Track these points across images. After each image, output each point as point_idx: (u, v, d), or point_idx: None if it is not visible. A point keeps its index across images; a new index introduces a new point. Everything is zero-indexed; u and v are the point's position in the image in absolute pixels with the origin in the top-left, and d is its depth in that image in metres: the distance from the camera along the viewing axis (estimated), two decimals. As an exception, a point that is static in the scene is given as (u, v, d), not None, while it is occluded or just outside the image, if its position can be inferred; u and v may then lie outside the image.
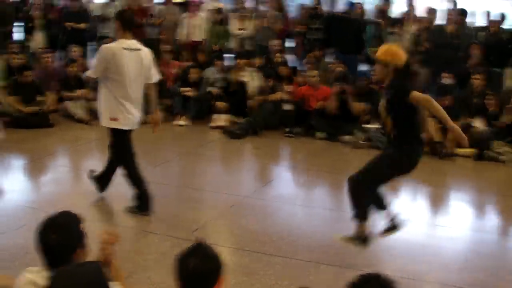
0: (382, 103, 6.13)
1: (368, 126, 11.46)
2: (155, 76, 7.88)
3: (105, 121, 7.67)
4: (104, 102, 7.63)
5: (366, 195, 6.43)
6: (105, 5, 15.28)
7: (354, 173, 6.45)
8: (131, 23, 7.81)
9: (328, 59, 14.29)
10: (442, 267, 6.52)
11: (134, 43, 7.61)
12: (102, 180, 8.19)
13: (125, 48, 7.45)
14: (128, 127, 7.71)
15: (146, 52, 7.68)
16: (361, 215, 6.40)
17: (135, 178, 7.87)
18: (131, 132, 7.86)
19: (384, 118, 6.17)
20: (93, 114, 12.44)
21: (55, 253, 3.43)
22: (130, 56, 7.44)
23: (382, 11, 14.13)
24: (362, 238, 6.47)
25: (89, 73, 7.78)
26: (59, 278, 2.90)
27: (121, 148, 7.87)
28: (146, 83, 7.75)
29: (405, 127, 6.08)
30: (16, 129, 11.48)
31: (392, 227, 6.65)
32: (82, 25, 15.25)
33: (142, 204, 7.75)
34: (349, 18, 14.19)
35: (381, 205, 6.60)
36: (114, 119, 7.59)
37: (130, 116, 7.64)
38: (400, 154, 6.19)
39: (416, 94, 5.76)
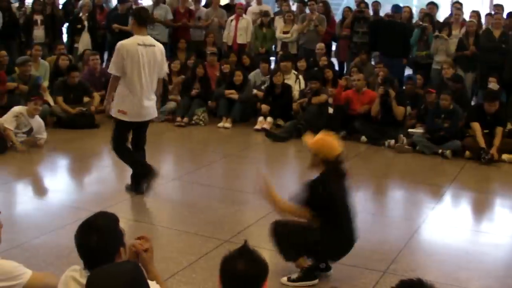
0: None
1: (413, 130, 11.40)
2: (165, 72, 8.44)
3: (114, 111, 8.08)
4: (117, 95, 8.01)
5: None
6: (152, 7, 15.38)
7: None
8: (146, 20, 8.20)
9: (373, 62, 14.27)
10: (485, 274, 6.44)
11: (148, 39, 8.00)
12: (136, 180, 8.34)
13: (139, 44, 7.82)
14: (135, 119, 8.04)
15: (160, 48, 8.09)
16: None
17: (130, 162, 8.33)
18: (143, 124, 8.20)
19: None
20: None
21: (96, 256, 3.44)
22: (144, 52, 7.81)
23: (429, 15, 14.03)
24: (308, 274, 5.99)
25: (110, 70, 7.96)
26: (96, 277, 2.93)
27: (118, 137, 8.25)
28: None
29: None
30: (63, 129, 11.64)
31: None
32: (129, 27, 15.36)
33: (136, 184, 8.27)
34: (396, 22, 14.14)
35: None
36: (122, 112, 7.96)
37: (142, 110, 7.98)
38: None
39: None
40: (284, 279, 5.93)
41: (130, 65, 7.77)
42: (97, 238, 3.45)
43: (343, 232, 5.84)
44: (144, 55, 7.83)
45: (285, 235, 5.82)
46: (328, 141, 5.94)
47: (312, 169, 6.01)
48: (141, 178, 8.24)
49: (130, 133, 8.36)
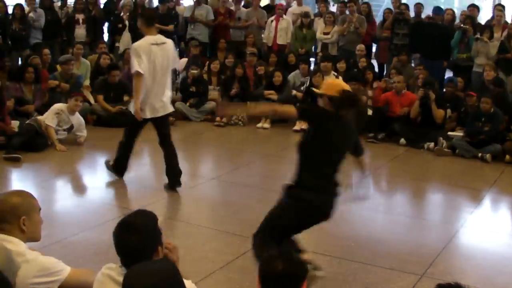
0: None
1: (453, 133, 11.32)
2: (177, 63, 9.07)
3: (131, 108, 8.37)
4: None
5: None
6: (194, 7, 15.45)
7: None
8: (153, 18, 8.56)
9: (413, 64, 14.20)
10: (524, 279, 6.39)
11: (160, 37, 8.29)
12: (170, 174, 8.56)
13: (152, 44, 8.08)
14: (151, 115, 8.32)
15: (170, 44, 8.45)
16: None
17: (124, 148, 8.76)
18: (160, 119, 8.47)
19: None
20: (177, 115, 12.64)
21: (134, 254, 3.44)
22: (158, 51, 8.10)
23: (470, 17, 13.91)
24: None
25: (136, 69, 8.04)
26: (134, 275, 2.92)
27: (131, 129, 8.65)
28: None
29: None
30: (102, 128, 11.74)
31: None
32: (170, 27, 15.46)
33: (116, 167, 8.92)
34: (437, 24, 14.04)
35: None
36: (140, 109, 8.16)
37: (156, 106, 8.28)
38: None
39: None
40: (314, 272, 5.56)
41: (146, 65, 8.00)
42: (136, 237, 3.45)
43: (317, 182, 5.50)
44: (158, 54, 8.10)
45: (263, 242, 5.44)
46: (333, 80, 6.64)
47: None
48: (122, 166, 8.90)
49: (141, 130, 8.70)
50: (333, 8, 17.17)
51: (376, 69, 14.69)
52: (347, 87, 5.67)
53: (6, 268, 3.05)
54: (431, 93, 11.38)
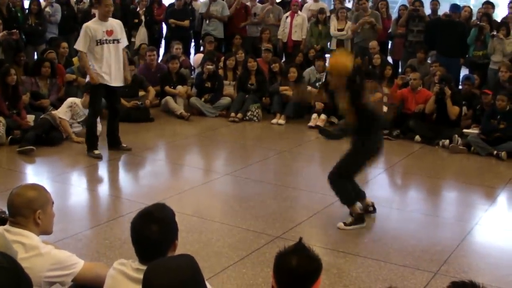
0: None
1: (468, 131, 11.28)
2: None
3: None
4: None
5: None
6: (209, 3, 15.45)
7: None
8: None
9: (430, 61, 14.15)
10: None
11: None
12: None
13: None
14: None
15: None
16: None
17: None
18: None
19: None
20: (192, 110, 12.68)
21: (154, 246, 3.43)
22: None
23: (487, 15, 13.85)
24: (359, 218, 7.29)
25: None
26: (156, 271, 2.87)
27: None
28: None
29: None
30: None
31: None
32: (186, 23, 15.48)
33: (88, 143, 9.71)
34: (454, 21, 13.98)
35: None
36: None
37: None
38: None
39: None
40: (340, 224, 7.21)
41: None
42: (155, 227, 3.44)
43: (375, 135, 7.33)
44: None
45: (340, 183, 7.20)
46: (340, 59, 7.05)
47: (335, 88, 7.21)
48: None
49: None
50: (349, 4, 17.12)
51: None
52: (348, 61, 6.88)
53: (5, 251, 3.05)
54: (446, 89, 11.33)
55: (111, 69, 9.47)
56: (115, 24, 9.62)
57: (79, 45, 9.40)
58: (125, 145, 10.00)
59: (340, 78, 6.80)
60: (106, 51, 9.42)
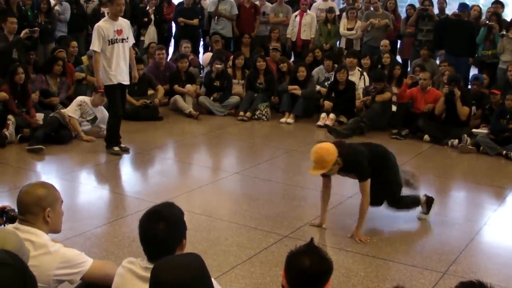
0: None
1: (477, 131, 11.25)
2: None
3: None
4: None
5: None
6: (217, 1, 15.46)
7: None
8: None
9: (438, 61, 14.13)
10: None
11: None
12: None
13: None
14: None
15: None
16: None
17: None
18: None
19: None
20: (201, 109, 12.69)
21: (161, 245, 3.45)
22: None
23: (496, 14, 13.81)
24: (428, 201, 7.69)
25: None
26: (164, 269, 2.89)
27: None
28: None
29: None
30: (126, 121, 11.77)
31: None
32: (195, 21, 15.50)
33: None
34: (463, 21, 13.96)
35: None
36: None
37: None
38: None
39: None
40: (422, 215, 7.66)
41: None
42: (163, 226, 3.46)
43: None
44: None
45: (402, 203, 7.47)
46: (321, 150, 6.62)
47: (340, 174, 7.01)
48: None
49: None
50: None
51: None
52: (330, 151, 6.60)
53: (18, 252, 3.06)
54: (456, 90, 11.30)
55: (121, 67, 9.52)
56: (124, 23, 9.66)
57: (94, 45, 9.43)
58: (123, 146, 9.99)
59: (332, 166, 6.59)
60: (116, 50, 9.47)
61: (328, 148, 6.57)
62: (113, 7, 9.49)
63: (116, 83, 9.56)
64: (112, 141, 9.86)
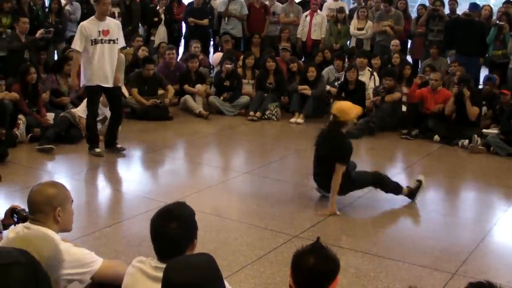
0: None
1: (487, 131, 11.21)
2: None
3: None
4: None
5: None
6: (228, 2, 15.47)
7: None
8: None
9: (449, 61, 14.11)
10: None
11: None
12: None
13: None
14: None
15: None
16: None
17: None
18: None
19: None
20: (211, 109, 12.70)
21: (172, 244, 3.45)
22: None
23: (506, 14, 13.77)
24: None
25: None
26: (176, 269, 2.87)
27: None
28: None
29: None
30: (136, 121, 11.82)
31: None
32: (205, 21, 15.51)
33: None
34: (473, 21, 13.92)
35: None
36: None
37: None
38: None
39: None
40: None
41: None
42: (175, 225, 3.46)
43: None
44: None
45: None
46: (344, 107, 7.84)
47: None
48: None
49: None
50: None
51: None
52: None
53: (53, 260, 3.05)
54: (465, 90, 11.26)
55: (103, 69, 9.42)
56: (112, 24, 9.57)
57: (76, 44, 9.36)
58: (119, 146, 9.96)
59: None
60: (100, 51, 9.37)
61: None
62: (99, 7, 9.40)
63: (94, 84, 9.45)
64: (93, 142, 9.77)
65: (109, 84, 9.55)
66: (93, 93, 9.58)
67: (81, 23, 9.47)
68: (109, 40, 9.43)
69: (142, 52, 13.40)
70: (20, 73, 10.41)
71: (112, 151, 9.82)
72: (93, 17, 9.57)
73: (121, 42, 9.80)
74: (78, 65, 9.45)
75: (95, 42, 9.31)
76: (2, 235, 4.50)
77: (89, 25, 9.34)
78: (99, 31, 9.33)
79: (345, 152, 7.63)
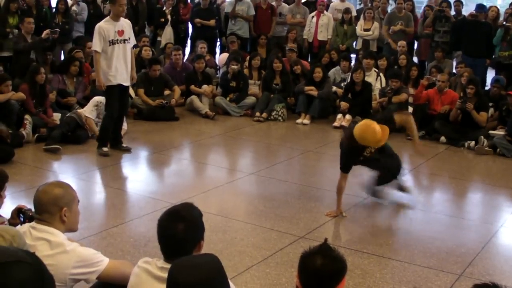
0: None
1: (494, 132, 11.19)
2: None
3: None
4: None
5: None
6: (235, 2, 15.47)
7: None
8: None
9: (455, 62, 14.10)
10: None
11: None
12: None
13: None
14: None
15: None
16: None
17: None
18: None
19: None
20: (217, 110, 12.71)
21: (179, 245, 3.46)
22: None
23: (512, 15, 13.77)
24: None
25: None
26: (181, 269, 2.87)
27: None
28: None
29: None
30: (143, 121, 11.84)
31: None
32: (211, 22, 15.53)
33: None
34: (480, 22, 13.90)
35: None
36: None
37: None
38: None
39: None
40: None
41: None
42: (182, 226, 3.47)
43: None
44: None
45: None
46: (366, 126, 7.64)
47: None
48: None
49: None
50: (391, 5, 17.07)
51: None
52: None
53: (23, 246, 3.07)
54: (468, 105, 11.21)
55: (120, 68, 9.55)
56: (126, 24, 9.67)
57: (96, 46, 9.43)
58: (125, 145, 10.02)
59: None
60: (117, 51, 9.49)
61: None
62: (115, 8, 9.47)
63: (115, 83, 9.57)
64: (103, 141, 9.83)
65: (127, 83, 9.79)
66: (114, 93, 9.65)
67: (98, 24, 9.53)
68: (124, 40, 9.56)
69: (146, 52, 13.39)
70: (30, 73, 10.44)
71: (119, 149, 9.89)
72: (108, 17, 9.65)
73: (132, 41, 9.93)
74: (99, 65, 9.50)
75: (112, 42, 9.42)
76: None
77: (106, 26, 9.43)
78: (115, 32, 9.44)
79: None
